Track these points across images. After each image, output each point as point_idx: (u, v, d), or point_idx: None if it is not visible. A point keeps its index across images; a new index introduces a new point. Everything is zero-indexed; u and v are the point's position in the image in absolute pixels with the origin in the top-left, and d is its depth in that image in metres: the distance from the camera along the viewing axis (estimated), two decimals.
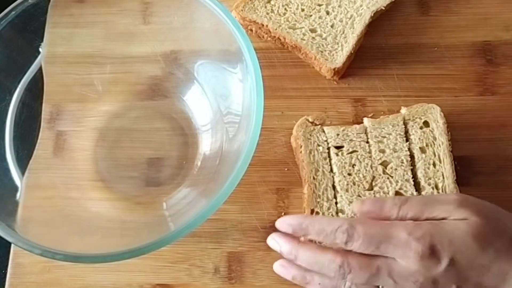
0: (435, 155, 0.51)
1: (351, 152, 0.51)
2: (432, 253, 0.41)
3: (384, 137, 0.51)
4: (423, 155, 0.51)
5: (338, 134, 0.52)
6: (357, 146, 0.51)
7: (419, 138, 0.51)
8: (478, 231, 0.41)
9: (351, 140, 0.51)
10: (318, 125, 0.53)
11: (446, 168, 0.50)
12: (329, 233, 0.43)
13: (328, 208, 0.49)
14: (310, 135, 0.52)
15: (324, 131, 0.52)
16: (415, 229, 0.42)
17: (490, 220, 0.42)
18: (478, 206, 0.43)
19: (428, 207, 0.43)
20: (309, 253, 0.44)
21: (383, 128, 0.52)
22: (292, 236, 0.45)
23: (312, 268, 0.44)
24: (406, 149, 0.51)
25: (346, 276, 0.42)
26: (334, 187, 0.50)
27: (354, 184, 0.50)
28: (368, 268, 0.42)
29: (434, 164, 0.50)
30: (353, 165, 0.50)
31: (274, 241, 0.45)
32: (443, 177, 0.50)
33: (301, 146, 0.51)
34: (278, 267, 0.46)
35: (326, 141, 0.52)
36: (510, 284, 0.41)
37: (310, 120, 0.53)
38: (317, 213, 0.49)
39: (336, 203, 0.50)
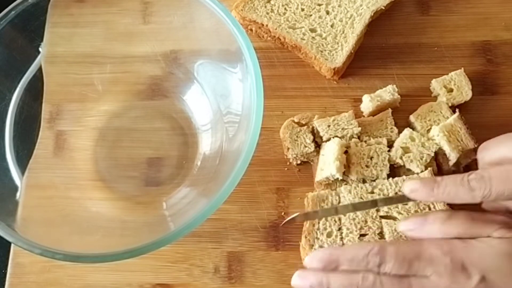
0: None
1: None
2: (463, 269, 0.41)
3: (377, 136, 0.52)
4: None
5: (329, 126, 0.52)
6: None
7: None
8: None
9: (343, 128, 0.51)
10: (304, 125, 0.53)
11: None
12: (361, 259, 0.43)
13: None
14: (297, 136, 0.52)
15: (314, 129, 0.52)
16: (445, 246, 0.42)
17: None
18: None
19: (474, 227, 0.43)
20: (341, 275, 0.43)
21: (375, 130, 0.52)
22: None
23: None
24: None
25: None
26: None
27: (357, 186, 0.50)
28: (399, 284, 0.41)
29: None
30: None
31: (300, 278, 0.44)
32: None
33: (288, 149, 0.51)
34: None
35: (313, 141, 0.52)
36: None
37: (296, 120, 0.53)
38: (321, 207, 0.49)
39: (339, 203, 0.50)
